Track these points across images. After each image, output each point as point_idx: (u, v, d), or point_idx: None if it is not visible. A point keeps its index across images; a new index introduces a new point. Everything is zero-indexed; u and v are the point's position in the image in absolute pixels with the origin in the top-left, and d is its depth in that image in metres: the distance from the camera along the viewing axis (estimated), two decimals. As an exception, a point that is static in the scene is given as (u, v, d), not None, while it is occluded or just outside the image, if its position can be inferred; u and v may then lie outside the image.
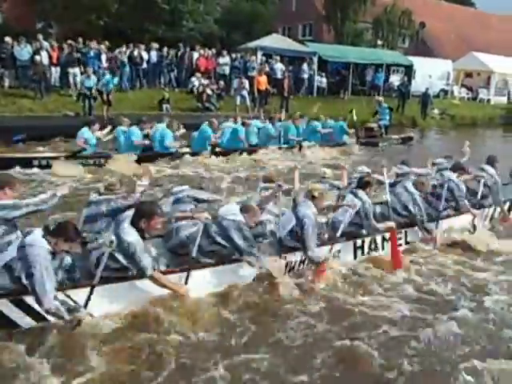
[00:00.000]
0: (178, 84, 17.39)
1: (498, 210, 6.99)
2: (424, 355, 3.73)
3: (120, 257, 3.86)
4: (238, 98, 15.59)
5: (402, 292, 4.77)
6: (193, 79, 16.64)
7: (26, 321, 3.62)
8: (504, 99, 27.85)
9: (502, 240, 6.19)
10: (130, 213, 4.05)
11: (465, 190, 6.40)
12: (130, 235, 3.86)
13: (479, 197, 6.64)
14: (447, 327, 4.07)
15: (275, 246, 4.84)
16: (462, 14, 43.23)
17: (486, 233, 6.33)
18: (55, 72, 14.54)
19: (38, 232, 3.64)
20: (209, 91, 15.96)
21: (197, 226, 4.59)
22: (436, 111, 21.81)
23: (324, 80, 20.80)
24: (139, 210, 4.03)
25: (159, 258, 4.43)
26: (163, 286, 4.02)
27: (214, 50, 18.36)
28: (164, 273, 4.14)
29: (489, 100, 27.48)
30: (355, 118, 14.37)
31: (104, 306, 3.83)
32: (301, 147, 11.86)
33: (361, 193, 5.49)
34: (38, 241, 3.55)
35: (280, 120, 12.40)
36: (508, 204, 7.19)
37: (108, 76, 13.51)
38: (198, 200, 4.97)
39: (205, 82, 16.40)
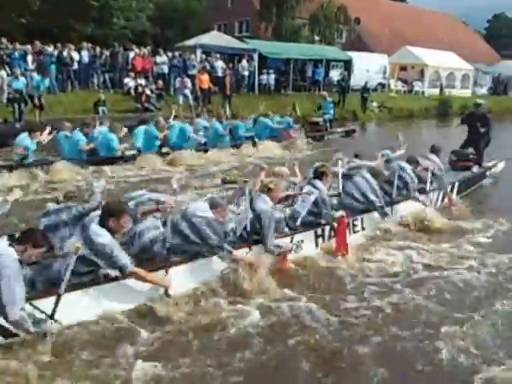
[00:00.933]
0: (112, 85, 17.10)
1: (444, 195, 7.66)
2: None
3: (95, 259, 3.87)
4: (181, 98, 15.63)
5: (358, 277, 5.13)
6: (127, 80, 16.46)
7: None
8: (437, 91, 29.84)
9: (450, 220, 6.86)
10: (96, 214, 4.08)
11: (415, 178, 6.99)
12: (102, 236, 3.89)
13: (427, 184, 7.27)
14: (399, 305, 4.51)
15: (237, 243, 4.98)
16: (395, 9, 45.91)
17: (435, 214, 6.88)
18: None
19: (1, 241, 3.57)
20: (148, 91, 15.91)
21: (158, 228, 4.69)
22: (375, 104, 23.05)
23: (272, 77, 21.25)
24: (107, 210, 4.06)
25: None
26: (146, 280, 4.09)
27: (149, 49, 18.23)
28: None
29: (423, 92, 29.42)
30: (298, 111, 14.98)
31: (74, 313, 3.81)
32: (254, 143, 12.20)
33: (317, 183, 5.81)
34: (4, 250, 3.46)
35: (227, 118, 12.69)
36: (449, 188, 7.87)
37: (37, 77, 13.08)
38: (158, 203, 4.99)
39: (142, 82, 16.30)
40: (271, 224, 5.01)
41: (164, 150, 10.52)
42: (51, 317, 3.64)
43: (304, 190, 5.74)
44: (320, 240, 5.72)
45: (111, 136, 9.71)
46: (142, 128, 10.61)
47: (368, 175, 6.44)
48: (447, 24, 48.62)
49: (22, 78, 12.48)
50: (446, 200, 7.66)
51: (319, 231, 5.69)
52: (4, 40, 14.54)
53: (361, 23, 34.35)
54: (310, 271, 5.18)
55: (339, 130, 15.98)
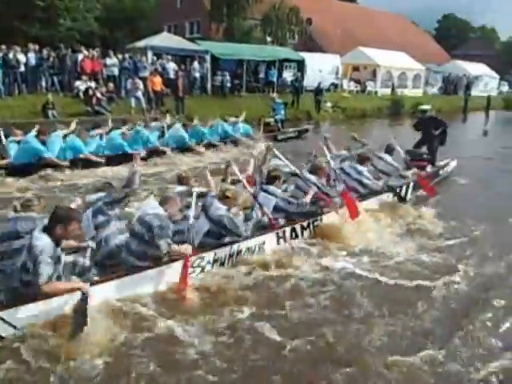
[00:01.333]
0: (61, 88, 17.08)
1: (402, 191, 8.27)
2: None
3: (29, 266, 3.84)
4: (133, 100, 15.83)
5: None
6: (78, 82, 16.51)
7: None
8: (389, 91, 31.18)
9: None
10: (44, 221, 4.12)
11: (370, 176, 7.61)
12: (39, 239, 3.87)
13: (380, 181, 7.84)
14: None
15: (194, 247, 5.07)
16: (347, 10, 47.42)
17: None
18: None
19: None
20: (98, 94, 16.01)
21: (123, 232, 4.85)
22: (328, 104, 23.88)
23: (227, 78, 21.58)
24: (55, 215, 4.00)
25: (86, 272, 4.49)
26: (60, 292, 4.02)
27: (98, 50, 18.30)
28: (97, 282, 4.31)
29: (376, 92, 30.63)
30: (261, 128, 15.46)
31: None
32: (214, 146, 12.72)
33: (271, 188, 6.16)
34: None
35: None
36: (404, 187, 8.39)
37: None
38: (115, 201, 5.14)
39: (92, 84, 16.39)
40: (233, 222, 5.26)
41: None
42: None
43: (259, 197, 5.95)
44: (281, 240, 5.98)
45: (78, 140, 10.02)
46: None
47: (358, 165, 7.43)
48: (398, 25, 50.77)
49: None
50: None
51: (280, 233, 5.96)
52: None
53: (313, 24, 35.42)
54: (265, 274, 5.36)
55: (291, 130, 16.63)
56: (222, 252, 5.31)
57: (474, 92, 35.92)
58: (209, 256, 5.19)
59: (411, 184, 8.51)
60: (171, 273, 4.77)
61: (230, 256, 5.40)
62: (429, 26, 70.60)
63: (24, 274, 3.87)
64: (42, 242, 3.87)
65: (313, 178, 6.73)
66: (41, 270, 3.81)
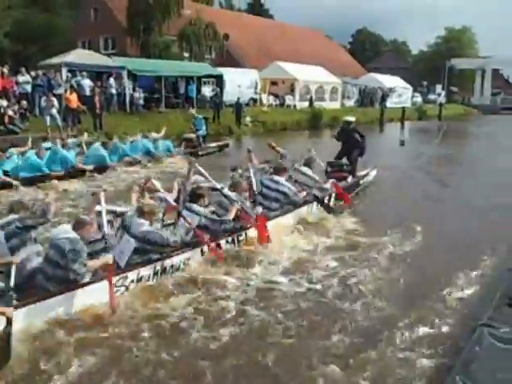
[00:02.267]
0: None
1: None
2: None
3: None
4: (48, 118, 16.20)
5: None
6: (-12, 101, 16.78)
7: None
8: (307, 104, 33.14)
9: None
10: None
11: (291, 186, 7.99)
12: None
13: (301, 193, 8.27)
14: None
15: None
16: (263, 25, 49.93)
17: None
18: None
19: None
20: (10, 112, 16.38)
21: (40, 256, 5.05)
22: (248, 119, 25.33)
23: (141, 95, 22.59)
24: None
25: (7, 295, 4.52)
26: None
27: (7, 67, 18.60)
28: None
29: (295, 106, 32.48)
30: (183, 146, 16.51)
31: None
32: (135, 163, 13.53)
33: (195, 207, 6.37)
34: None
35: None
36: (327, 198, 8.95)
37: None
38: (29, 227, 5.23)
39: (4, 102, 16.73)
40: (158, 234, 5.56)
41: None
42: None
43: (184, 214, 6.19)
44: (206, 256, 6.25)
45: None
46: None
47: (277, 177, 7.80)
48: (314, 39, 53.93)
49: None
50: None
51: (205, 248, 6.21)
52: None
53: (230, 39, 37.22)
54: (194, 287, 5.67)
55: (212, 145, 17.66)
56: (146, 270, 5.47)
57: (389, 104, 38.97)
58: (132, 275, 5.33)
59: (333, 195, 9.07)
60: (93, 294, 4.92)
61: (155, 273, 5.58)
62: (343, 40, 75.92)
63: None
64: None
65: (233, 194, 6.95)
66: None
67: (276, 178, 8.00)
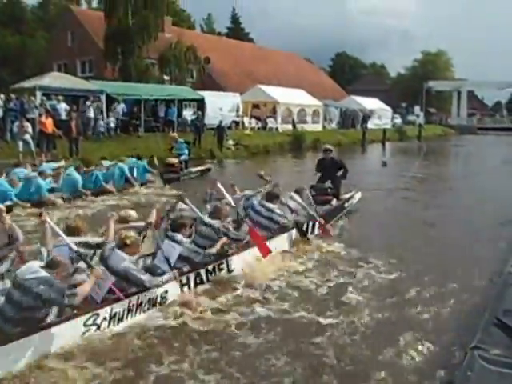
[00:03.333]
0: None
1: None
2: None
3: None
4: (21, 144, 15.54)
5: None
6: (-44, 126, 16.02)
7: None
8: (290, 126, 33.20)
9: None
10: None
11: (281, 213, 7.91)
12: None
13: (289, 217, 8.20)
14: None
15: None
16: (244, 48, 50.51)
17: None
18: None
19: None
20: (-20, 138, 15.65)
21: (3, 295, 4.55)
22: (231, 142, 24.97)
23: (112, 119, 21.99)
24: None
25: None
26: None
27: (-21, 91, 17.93)
28: None
29: (277, 128, 32.49)
30: (156, 162, 15.94)
31: None
32: (109, 191, 12.81)
33: (177, 236, 6.08)
34: None
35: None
36: (311, 223, 8.77)
37: None
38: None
39: (-27, 128, 15.99)
40: (136, 275, 5.22)
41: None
42: None
43: (163, 246, 5.90)
44: (186, 288, 5.93)
45: None
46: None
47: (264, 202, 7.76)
48: (294, 63, 54.54)
49: None
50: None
51: (184, 280, 5.91)
52: None
53: (211, 63, 37.14)
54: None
55: (194, 169, 17.09)
56: (120, 306, 5.04)
57: (370, 125, 39.42)
58: (104, 312, 4.91)
59: (317, 223, 8.80)
60: (60, 335, 4.57)
61: (129, 310, 5.15)
62: (323, 63, 76.99)
63: None
64: None
65: (215, 222, 6.71)
66: None
67: (269, 205, 7.87)
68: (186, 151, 17.85)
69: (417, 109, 56.89)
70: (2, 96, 18.21)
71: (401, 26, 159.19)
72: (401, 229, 9.97)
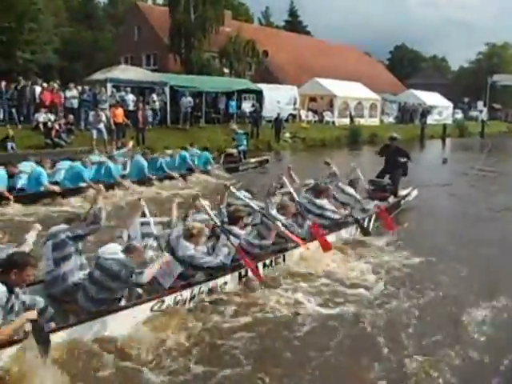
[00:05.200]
0: (19, 120, 17.88)
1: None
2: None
3: None
4: (95, 132, 16.63)
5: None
6: (37, 115, 17.40)
7: None
8: (346, 120, 33.24)
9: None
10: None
11: (332, 207, 7.94)
12: None
13: (343, 211, 8.28)
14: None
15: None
16: (302, 42, 50.49)
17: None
18: None
19: None
20: (57, 126, 16.91)
21: (84, 270, 5.04)
22: (288, 135, 25.49)
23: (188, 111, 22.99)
24: (10, 261, 4.22)
25: (44, 312, 4.54)
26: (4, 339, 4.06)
27: (58, 83, 19.30)
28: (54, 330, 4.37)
29: (334, 122, 32.53)
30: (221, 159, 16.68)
31: None
32: (184, 176, 13.69)
33: (234, 229, 6.21)
34: None
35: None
36: (367, 218, 8.78)
37: None
38: (79, 237, 5.19)
39: (52, 117, 17.29)
40: (204, 260, 5.59)
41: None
42: None
43: (222, 238, 6.02)
44: (244, 280, 6.20)
45: (41, 171, 10.75)
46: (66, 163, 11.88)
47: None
48: (352, 56, 54.10)
49: None
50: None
51: (243, 272, 6.17)
52: None
53: (269, 56, 37.71)
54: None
55: (252, 160, 17.66)
56: (184, 294, 5.42)
57: (430, 120, 38.46)
58: (170, 299, 5.28)
59: (373, 216, 8.84)
60: (129, 318, 4.92)
61: (191, 298, 5.51)
62: (382, 56, 75.70)
63: None
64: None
65: (279, 216, 6.92)
66: None
67: (319, 202, 7.87)
68: (245, 142, 18.47)
69: (480, 104, 54.82)
70: (79, 88, 19.48)
71: (463, 18, 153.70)
72: (460, 231, 9.56)
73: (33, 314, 4.13)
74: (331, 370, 4.63)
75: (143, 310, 5.02)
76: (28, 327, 4.07)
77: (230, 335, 5.07)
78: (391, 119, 39.79)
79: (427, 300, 6.10)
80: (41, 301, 4.50)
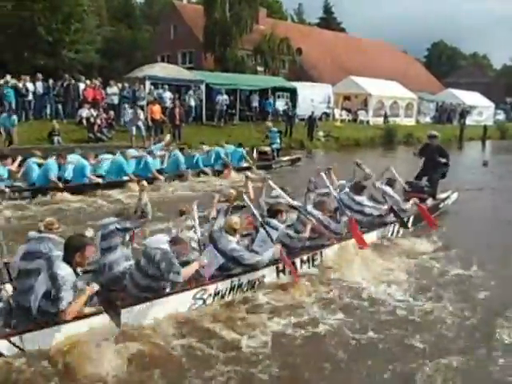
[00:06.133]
0: (64, 115, 19.29)
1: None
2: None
3: (53, 292, 4.43)
4: (134, 128, 17.78)
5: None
6: (81, 110, 18.76)
7: None
8: (381, 120, 33.51)
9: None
10: (60, 251, 4.76)
11: (371, 203, 8.22)
12: (62, 269, 4.48)
13: (383, 213, 8.45)
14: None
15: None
16: (336, 39, 50.83)
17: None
18: None
19: (61, 263, 4.51)
20: (99, 122, 18.20)
21: (129, 261, 5.49)
22: (321, 133, 26.10)
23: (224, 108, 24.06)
24: (70, 246, 4.63)
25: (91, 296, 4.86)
26: (79, 310, 4.57)
27: (100, 80, 20.67)
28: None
29: (368, 121, 32.88)
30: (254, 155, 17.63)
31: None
32: (219, 172, 14.63)
33: (274, 222, 6.57)
34: (64, 269, 4.47)
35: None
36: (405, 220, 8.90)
37: (14, 118, 15.14)
38: (126, 229, 5.68)
39: (94, 112, 18.58)
40: (247, 256, 5.93)
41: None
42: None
43: (261, 231, 6.40)
44: (281, 274, 6.49)
45: (85, 163, 11.83)
46: (108, 157, 12.98)
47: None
48: (387, 53, 54.11)
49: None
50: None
51: (280, 266, 6.46)
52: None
53: (303, 54, 38.32)
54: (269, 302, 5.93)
55: (285, 158, 18.47)
56: (224, 285, 5.79)
57: (469, 121, 38.25)
58: (211, 288, 5.66)
59: (411, 217, 9.01)
60: (181, 300, 5.40)
61: (232, 289, 5.88)
62: (418, 53, 75.11)
63: (45, 301, 4.44)
64: (65, 271, 4.49)
65: (316, 212, 7.21)
66: (63, 299, 4.39)
67: (358, 198, 8.16)
68: (278, 140, 19.24)
69: (524, 105, 54.03)
70: (119, 85, 20.82)
71: (507, 13, 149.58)
72: (502, 236, 9.31)
73: (95, 287, 4.66)
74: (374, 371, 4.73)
75: (186, 298, 5.45)
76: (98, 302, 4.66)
77: (263, 329, 5.28)
78: (428, 119, 39.80)
79: (464, 306, 6.03)
80: (95, 285, 4.80)
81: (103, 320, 4.66)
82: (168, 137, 15.43)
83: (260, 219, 6.54)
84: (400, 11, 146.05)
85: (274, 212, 6.76)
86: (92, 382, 4.21)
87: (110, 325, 4.61)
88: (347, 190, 8.43)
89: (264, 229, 6.34)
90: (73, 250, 4.58)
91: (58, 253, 4.72)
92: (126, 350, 4.60)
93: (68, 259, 4.56)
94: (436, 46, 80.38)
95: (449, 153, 11.08)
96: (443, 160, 10.63)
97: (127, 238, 5.79)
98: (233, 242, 5.91)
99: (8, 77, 17.56)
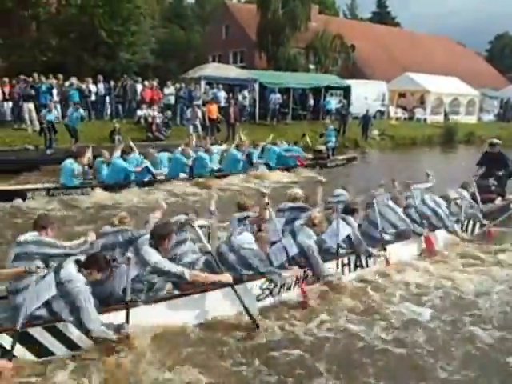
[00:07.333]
0: (124, 115, 20.77)
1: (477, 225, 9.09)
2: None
3: (149, 277, 5.04)
4: (191, 127, 19.02)
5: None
6: (139, 110, 20.16)
7: (60, 349, 4.67)
8: (439, 118, 33.38)
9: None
10: (147, 237, 5.36)
11: (447, 211, 8.45)
12: (154, 255, 5.09)
13: (462, 218, 8.73)
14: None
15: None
16: (390, 34, 50.78)
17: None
18: (7, 107, 17.58)
19: (70, 266, 4.71)
20: (157, 121, 19.49)
21: (195, 254, 5.98)
22: (376, 132, 26.47)
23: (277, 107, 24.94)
24: (159, 232, 5.27)
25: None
26: (207, 280, 5.35)
27: (157, 81, 22.08)
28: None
29: (425, 119, 32.78)
30: (309, 142, 18.38)
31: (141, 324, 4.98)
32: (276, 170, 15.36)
33: (349, 219, 6.97)
34: (74, 276, 4.62)
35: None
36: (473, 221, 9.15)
37: (80, 112, 16.35)
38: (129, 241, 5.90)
39: (152, 112, 19.90)
40: (316, 258, 6.28)
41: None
42: (127, 321, 4.86)
43: (334, 224, 6.78)
44: (346, 269, 6.91)
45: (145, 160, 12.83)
46: (166, 154, 14.00)
47: (391, 203, 7.91)
48: (446, 47, 53.64)
49: (54, 111, 16.04)
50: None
51: (345, 260, 6.88)
52: (36, 75, 18.14)
53: (356, 50, 38.60)
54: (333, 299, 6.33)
55: (340, 157, 18.93)
56: (290, 278, 6.18)
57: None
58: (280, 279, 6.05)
59: (478, 223, 9.14)
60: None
61: (297, 282, 6.27)
62: (479, 47, 73.33)
63: (139, 284, 5.01)
64: (156, 257, 5.12)
65: (396, 208, 7.78)
66: (178, 272, 5.11)
67: (438, 199, 8.56)
68: (334, 139, 19.68)
69: None
70: (177, 85, 22.12)
71: None
72: None
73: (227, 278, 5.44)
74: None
75: (255, 287, 5.92)
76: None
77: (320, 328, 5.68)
78: (491, 117, 39.15)
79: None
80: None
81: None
82: (224, 146, 15.95)
83: (334, 215, 7.00)
84: (458, 3, 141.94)
85: (351, 210, 7.18)
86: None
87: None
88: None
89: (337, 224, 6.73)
90: (160, 236, 5.24)
91: (144, 239, 5.36)
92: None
93: (156, 245, 5.20)
94: (500, 39, 78.19)
95: (510, 162, 10.83)
96: (501, 172, 10.55)
97: (192, 234, 6.21)
98: (312, 238, 6.38)
99: (73, 79, 19.15)
